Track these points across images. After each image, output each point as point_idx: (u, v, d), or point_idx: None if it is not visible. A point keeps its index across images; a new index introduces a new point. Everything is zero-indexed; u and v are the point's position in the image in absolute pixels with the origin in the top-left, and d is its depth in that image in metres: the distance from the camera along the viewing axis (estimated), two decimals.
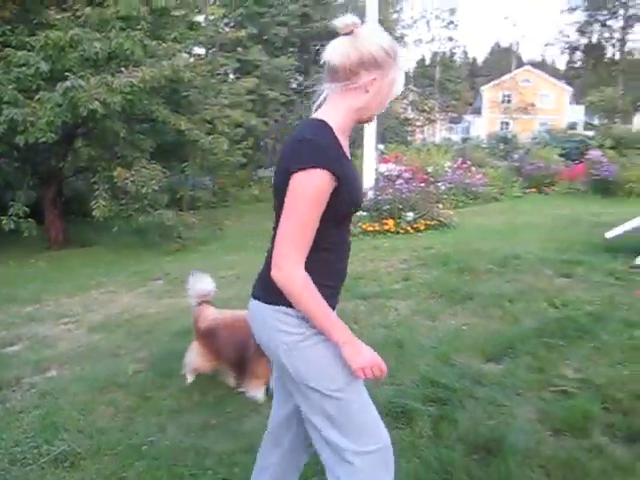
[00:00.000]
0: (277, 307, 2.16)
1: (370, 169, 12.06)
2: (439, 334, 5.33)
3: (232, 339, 4.15)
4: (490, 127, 44.40)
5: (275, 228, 2.14)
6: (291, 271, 2.04)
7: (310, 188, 2.01)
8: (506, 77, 56.18)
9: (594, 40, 50.85)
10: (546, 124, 40.45)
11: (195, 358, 4.41)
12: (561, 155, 21.15)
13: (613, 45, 49.36)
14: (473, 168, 18.24)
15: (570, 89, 60.31)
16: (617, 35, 48.63)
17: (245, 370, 4.15)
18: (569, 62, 62.21)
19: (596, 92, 43.65)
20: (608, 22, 49.06)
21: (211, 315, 4.40)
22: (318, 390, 2.16)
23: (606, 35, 49.81)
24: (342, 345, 2.07)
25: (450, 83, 55.53)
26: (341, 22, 2.13)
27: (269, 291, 2.15)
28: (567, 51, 55.50)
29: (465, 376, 4.37)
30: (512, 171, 19.42)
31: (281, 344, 2.16)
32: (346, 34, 2.13)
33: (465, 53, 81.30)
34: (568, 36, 52.46)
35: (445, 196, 14.83)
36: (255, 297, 2.27)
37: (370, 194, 11.77)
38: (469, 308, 6.09)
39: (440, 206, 12.92)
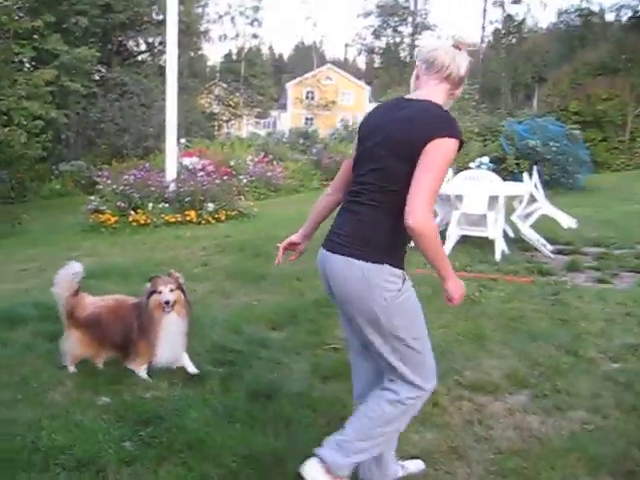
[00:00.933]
0: (382, 265, 2.55)
1: (172, 162, 12.37)
2: (232, 309, 5.91)
3: (118, 323, 4.35)
4: (295, 123, 45.92)
5: (368, 184, 2.64)
6: (429, 218, 2.43)
7: (451, 152, 2.51)
8: (309, 75, 58.22)
9: (386, 43, 54.36)
10: (347, 121, 42.61)
11: (76, 346, 4.42)
12: None
13: (403, 49, 53.12)
14: (275, 162, 19.10)
15: (369, 88, 63.81)
16: (407, 40, 52.46)
17: (129, 350, 4.35)
18: (368, 63, 65.66)
19: (391, 92, 46.74)
20: (399, 28, 52.80)
21: (92, 303, 4.47)
22: (403, 338, 2.64)
23: (398, 40, 53.51)
24: (450, 278, 2.58)
25: (255, 79, 56.54)
26: (466, 40, 2.82)
27: (373, 250, 2.56)
28: (364, 53, 58.75)
29: (252, 342, 4.97)
30: (312, 164, 20.51)
31: (380, 298, 2.55)
32: (456, 47, 2.77)
33: (271, 49, 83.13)
34: (365, 39, 55.64)
35: (247, 188, 15.52)
36: (350, 255, 2.59)
37: (172, 186, 12.11)
38: (261, 287, 6.73)
39: (242, 198, 13.58)
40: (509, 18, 57.90)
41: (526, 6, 71.55)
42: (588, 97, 25.81)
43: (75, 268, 4.45)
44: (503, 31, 59.28)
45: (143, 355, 4.31)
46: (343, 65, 76.06)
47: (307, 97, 55.46)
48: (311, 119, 49.44)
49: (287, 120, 54.63)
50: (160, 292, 4.22)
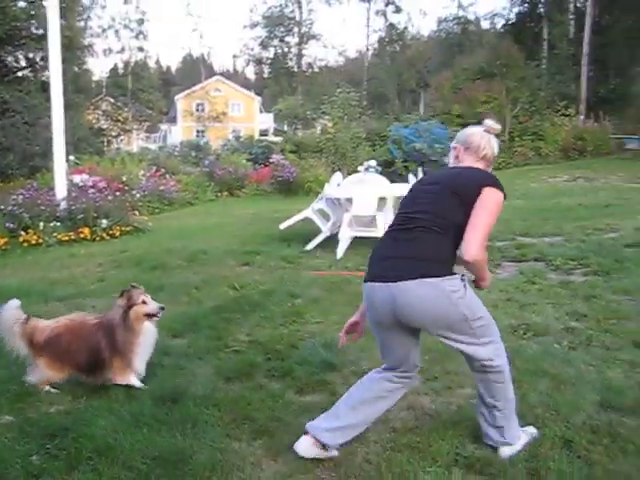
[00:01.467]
0: (447, 276, 3.09)
1: (62, 180, 12.13)
2: None
3: (80, 343, 4.30)
4: (186, 135, 45.55)
5: (422, 214, 3.18)
6: (481, 253, 3.08)
7: (500, 203, 3.17)
8: (198, 87, 57.87)
9: (275, 54, 54.79)
10: (239, 132, 42.70)
11: (45, 373, 4.35)
12: (249, 160, 22.81)
13: (291, 59, 53.68)
14: (167, 175, 19.00)
15: (259, 98, 64.11)
16: (294, 50, 53.09)
17: (102, 370, 4.32)
18: (257, 73, 65.94)
19: (282, 101, 47.18)
20: (286, 38, 53.34)
21: (47, 325, 4.41)
22: (472, 321, 3.15)
23: (285, 49, 54.02)
24: (488, 278, 3.31)
25: (143, 93, 55.66)
26: (495, 126, 3.42)
27: (437, 268, 3.09)
28: (253, 63, 59.00)
29: (154, 351, 5.04)
30: (205, 176, 20.49)
31: (452, 299, 3.07)
32: (487, 132, 3.41)
33: (158, 62, 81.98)
34: (252, 49, 55.88)
35: (140, 203, 15.38)
36: (421, 276, 3.06)
37: (63, 204, 11.88)
38: (160, 298, 6.69)
39: (136, 213, 13.48)
40: (392, 27, 59.70)
41: (407, 15, 73.89)
42: (468, 100, 27.09)
43: (13, 304, 4.43)
44: (387, 39, 61.05)
45: (126, 367, 4.32)
46: (232, 76, 76.12)
47: (197, 109, 55.12)
48: (202, 131, 49.17)
49: (178, 133, 54.11)
50: (144, 302, 4.33)
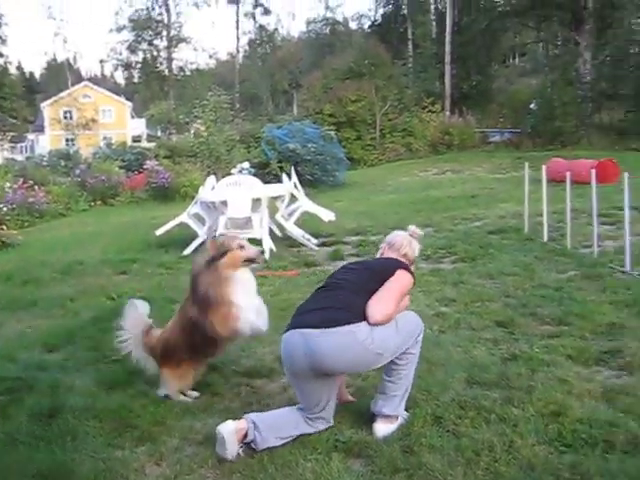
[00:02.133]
0: (359, 323, 3.36)
1: None
2: (4, 339, 5.74)
3: (183, 335, 4.12)
4: (55, 144, 43.76)
5: (344, 281, 3.63)
6: (389, 317, 3.42)
7: (408, 284, 3.63)
8: (65, 93, 55.71)
9: (143, 58, 53.57)
10: (110, 138, 41.50)
11: (172, 383, 4.15)
12: (122, 167, 22.24)
13: (161, 63, 52.67)
14: (36, 187, 18.22)
15: (130, 103, 62.52)
16: (164, 54, 52.13)
17: (215, 343, 4.14)
18: (127, 78, 64.27)
19: (154, 106, 46.29)
20: (154, 41, 52.27)
21: (158, 334, 4.29)
22: (387, 352, 3.43)
23: (155, 53, 52.93)
24: (403, 307, 3.64)
25: (5, 101, 52.89)
26: (417, 231, 4.02)
27: (351, 317, 3.37)
28: (121, 68, 57.43)
29: (29, 367, 4.89)
30: (76, 186, 19.81)
31: (365, 345, 3.33)
32: (411, 235, 3.94)
33: (20, 68, 78.19)
34: (120, 53, 54.41)
35: (8, 217, 14.70)
36: (335, 325, 3.34)
37: None
38: (34, 313, 6.57)
39: (4, 227, 12.87)
40: (261, 28, 59.85)
41: (276, 16, 74.30)
42: (340, 100, 27.67)
43: (142, 307, 4.40)
44: (257, 41, 61.15)
45: (228, 328, 3.94)
46: (101, 82, 73.85)
47: (65, 117, 53.02)
48: (72, 140, 47.31)
49: (46, 142, 51.90)
50: (241, 247, 4.00)
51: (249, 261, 4.01)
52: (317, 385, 3.46)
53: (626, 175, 6.94)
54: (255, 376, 4.45)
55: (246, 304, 3.92)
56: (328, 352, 3.32)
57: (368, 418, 3.58)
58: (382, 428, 3.47)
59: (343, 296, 3.50)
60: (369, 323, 3.37)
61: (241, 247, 3.98)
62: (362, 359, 3.40)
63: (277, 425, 3.43)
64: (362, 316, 3.39)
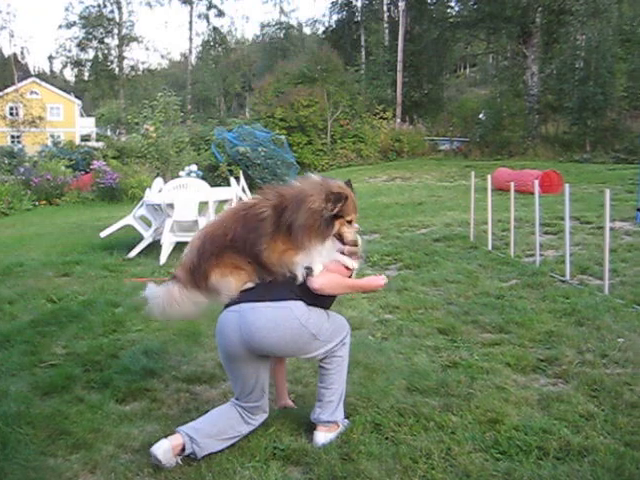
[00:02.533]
0: (296, 300, 3.30)
1: None
2: None
3: None
4: (0, 141, 42.61)
5: None
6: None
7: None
8: (11, 89, 54.31)
9: (94, 55, 52.77)
10: (59, 137, 40.66)
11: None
12: (69, 167, 21.83)
13: (111, 62, 51.96)
14: None
15: (79, 102, 61.38)
16: (115, 52, 51.44)
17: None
18: (77, 75, 63.13)
19: (104, 105, 45.60)
20: (106, 40, 51.52)
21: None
22: (320, 335, 3.37)
23: (105, 52, 52.17)
24: (368, 284, 3.61)
25: None
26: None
27: (287, 293, 3.31)
28: (71, 65, 56.41)
29: None
30: (20, 185, 19.34)
31: (301, 320, 3.28)
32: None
33: None
34: (70, 50, 53.40)
35: None
36: (270, 300, 3.28)
37: None
38: None
39: None
40: (215, 30, 59.56)
41: (230, 19, 74.05)
42: (291, 104, 27.66)
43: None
44: (211, 43, 60.83)
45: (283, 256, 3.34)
46: (50, 78, 72.23)
47: (11, 113, 51.68)
48: (18, 137, 46.17)
49: None
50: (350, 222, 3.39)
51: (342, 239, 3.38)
52: (251, 369, 3.37)
53: (567, 186, 7.09)
54: (195, 382, 4.40)
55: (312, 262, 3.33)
56: (262, 324, 3.24)
57: (308, 426, 3.57)
58: (321, 436, 3.46)
59: (281, 277, 3.34)
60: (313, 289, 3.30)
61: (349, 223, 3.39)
62: (297, 336, 3.30)
63: (214, 430, 3.37)
64: (300, 296, 3.32)
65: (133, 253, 8.91)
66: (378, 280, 3.56)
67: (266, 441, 3.46)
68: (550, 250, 8.48)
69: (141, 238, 9.17)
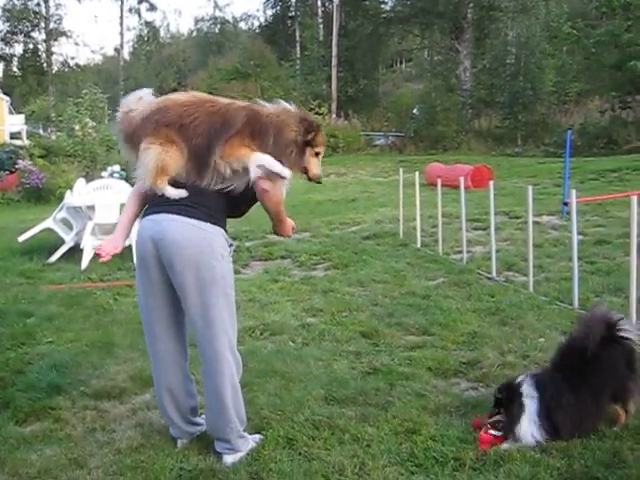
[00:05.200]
0: (220, 230, 3.23)
1: None
2: None
3: None
4: None
5: None
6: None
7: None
8: None
9: (21, 51, 51.12)
10: None
11: None
12: None
13: (40, 57, 50.38)
14: None
15: (8, 98, 59.34)
16: (42, 47, 49.85)
17: None
18: (5, 71, 61.11)
19: (34, 102, 44.15)
20: (32, 34, 49.86)
21: None
22: (225, 287, 3.28)
23: (31, 46, 50.55)
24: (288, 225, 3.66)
25: None
26: None
27: (212, 218, 3.19)
28: None
29: None
30: None
31: (215, 251, 3.20)
32: None
33: None
34: None
35: None
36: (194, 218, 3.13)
37: None
38: None
39: None
40: (147, 24, 58.44)
41: (162, 13, 72.82)
42: None
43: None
44: (144, 38, 59.69)
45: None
46: None
47: None
48: None
49: None
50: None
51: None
52: (165, 298, 3.28)
53: (491, 183, 7.09)
54: (104, 398, 4.16)
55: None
56: (177, 238, 3.11)
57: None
58: (229, 458, 3.28)
59: (208, 195, 3.19)
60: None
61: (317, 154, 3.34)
62: (201, 261, 3.12)
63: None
64: (220, 223, 3.23)
65: (54, 258, 8.53)
66: (290, 230, 3.64)
67: (173, 461, 3.27)
68: (478, 246, 8.50)
69: (62, 242, 8.80)
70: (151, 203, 3.31)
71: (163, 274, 3.20)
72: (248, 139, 3.14)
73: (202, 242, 3.14)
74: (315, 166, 3.31)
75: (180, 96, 3.31)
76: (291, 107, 3.30)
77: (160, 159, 3.11)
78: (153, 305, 3.32)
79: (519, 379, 3.45)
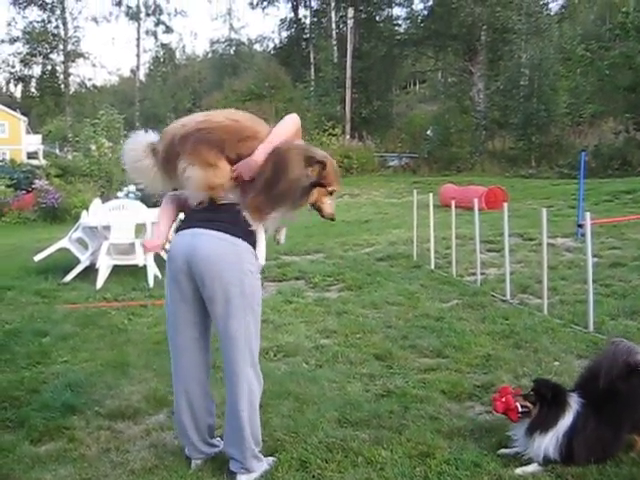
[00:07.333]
0: (250, 247, 3.23)
1: None
2: None
3: None
4: None
5: None
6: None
7: None
8: None
9: (40, 72, 51.89)
10: (4, 154, 39.74)
11: None
12: (10, 186, 21.19)
13: (57, 78, 51.08)
14: None
15: (25, 118, 60.12)
16: (60, 68, 50.57)
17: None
18: (23, 92, 61.97)
19: (51, 122, 44.70)
20: (51, 55, 50.60)
21: None
22: (252, 304, 3.32)
23: (49, 68, 51.28)
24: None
25: None
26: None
27: (244, 234, 3.20)
28: (14, 81, 55.29)
29: None
30: None
31: (244, 267, 3.21)
32: None
33: None
34: (13, 66, 52.32)
35: None
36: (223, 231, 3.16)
37: None
38: None
39: None
40: (163, 46, 59.14)
41: (178, 35, 73.71)
42: None
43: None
44: (161, 59, 60.37)
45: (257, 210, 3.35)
46: None
47: None
48: None
49: None
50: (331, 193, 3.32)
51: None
52: (193, 310, 3.31)
53: (505, 205, 7.09)
54: (118, 418, 4.17)
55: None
56: (208, 253, 3.15)
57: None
58: (244, 477, 3.29)
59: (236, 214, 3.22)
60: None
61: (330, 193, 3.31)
62: (230, 276, 3.14)
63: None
64: (249, 240, 3.23)
65: (69, 277, 8.59)
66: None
67: None
68: (492, 268, 8.48)
69: (78, 261, 8.87)
70: (185, 217, 3.42)
71: (194, 288, 3.25)
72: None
73: (232, 257, 3.18)
74: (328, 206, 3.31)
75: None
76: (300, 143, 3.35)
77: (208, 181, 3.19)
78: (181, 316, 3.36)
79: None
